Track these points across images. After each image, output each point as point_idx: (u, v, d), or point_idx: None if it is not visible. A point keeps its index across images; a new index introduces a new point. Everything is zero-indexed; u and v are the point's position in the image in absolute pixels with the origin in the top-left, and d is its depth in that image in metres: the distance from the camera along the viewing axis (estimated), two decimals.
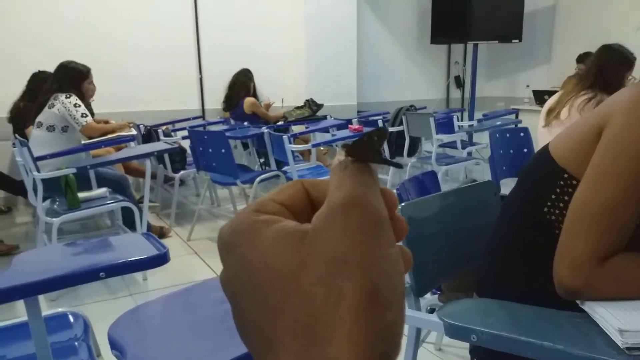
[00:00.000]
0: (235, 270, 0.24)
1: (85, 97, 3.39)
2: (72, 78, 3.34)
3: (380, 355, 0.21)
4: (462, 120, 6.08)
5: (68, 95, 3.23)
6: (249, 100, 5.14)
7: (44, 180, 2.79)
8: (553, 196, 0.92)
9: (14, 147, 3.34)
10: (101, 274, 0.95)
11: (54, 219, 2.63)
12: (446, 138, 4.71)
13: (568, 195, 0.90)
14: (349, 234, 0.22)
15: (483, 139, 5.49)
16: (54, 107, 3.21)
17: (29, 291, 0.92)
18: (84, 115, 3.24)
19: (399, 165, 0.32)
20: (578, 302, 0.84)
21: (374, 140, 0.26)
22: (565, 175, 0.92)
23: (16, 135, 3.28)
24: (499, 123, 5.03)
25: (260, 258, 0.23)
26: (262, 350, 0.23)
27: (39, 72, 3.89)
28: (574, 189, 0.89)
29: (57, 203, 2.90)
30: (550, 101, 2.48)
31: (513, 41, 6.72)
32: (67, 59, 3.40)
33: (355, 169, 0.25)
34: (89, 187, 3.11)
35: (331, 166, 0.28)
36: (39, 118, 3.25)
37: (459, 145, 4.85)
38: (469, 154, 4.93)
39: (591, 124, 0.88)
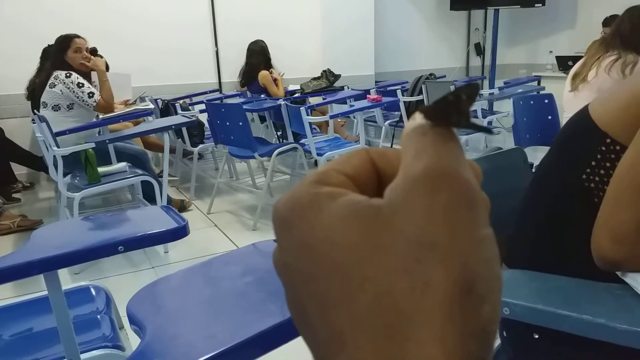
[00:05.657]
0: (294, 249, 0.20)
1: (74, 68, 3.20)
2: (57, 50, 3.21)
3: None
4: (482, 89, 5.94)
5: (68, 75, 3.11)
6: (262, 73, 5.08)
7: (63, 156, 2.80)
8: (593, 162, 0.87)
9: (34, 123, 3.35)
10: (120, 247, 0.93)
11: (75, 193, 2.65)
12: None
13: (609, 162, 0.85)
14: (437, 212, 0.18)
15: (503, 107, 5.36)
16: (55, 86, 3.13)
17: (47, 266, 0.91)
18: (91, 94, 3.15)
19: (490, 131, 0.26)
20: (618, 273, 0.80)
21: (462, 100, 0.21)
22: (608, 140, 0.85)
23: (35, 111, 3.27)
24: (520, 91, 4.89)
25: (326, 235, 0.19)
26: (330, 347, 0.19)
27: (48, 46, 3.81)
28: (617, 155, 0.83)
29: (78, 178, 2.91)
30: (576, 66, 2.41)
31: (536, 5, 6.48)
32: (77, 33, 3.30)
33: (437, 135, 0.21)
34: (108, 162, 3.11)
35: (404, 132, 0.23)
36: (43, 98, 3.19)
37: (479, 113, 4.73)
38: (490, 122, 4.81)
39: None
